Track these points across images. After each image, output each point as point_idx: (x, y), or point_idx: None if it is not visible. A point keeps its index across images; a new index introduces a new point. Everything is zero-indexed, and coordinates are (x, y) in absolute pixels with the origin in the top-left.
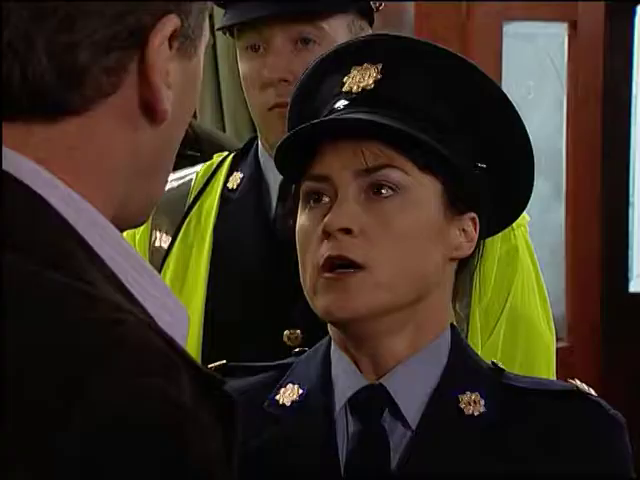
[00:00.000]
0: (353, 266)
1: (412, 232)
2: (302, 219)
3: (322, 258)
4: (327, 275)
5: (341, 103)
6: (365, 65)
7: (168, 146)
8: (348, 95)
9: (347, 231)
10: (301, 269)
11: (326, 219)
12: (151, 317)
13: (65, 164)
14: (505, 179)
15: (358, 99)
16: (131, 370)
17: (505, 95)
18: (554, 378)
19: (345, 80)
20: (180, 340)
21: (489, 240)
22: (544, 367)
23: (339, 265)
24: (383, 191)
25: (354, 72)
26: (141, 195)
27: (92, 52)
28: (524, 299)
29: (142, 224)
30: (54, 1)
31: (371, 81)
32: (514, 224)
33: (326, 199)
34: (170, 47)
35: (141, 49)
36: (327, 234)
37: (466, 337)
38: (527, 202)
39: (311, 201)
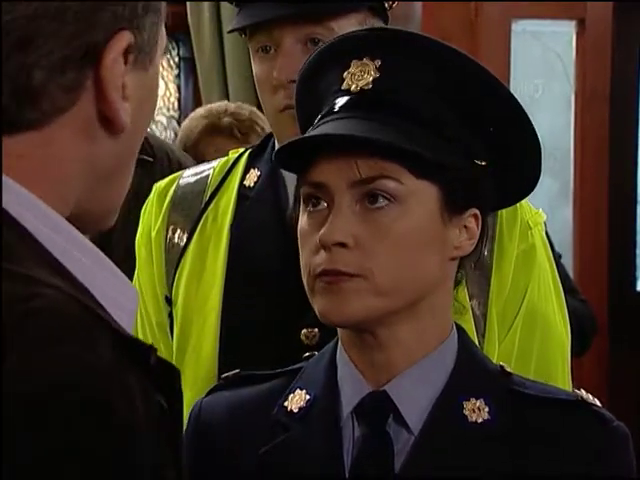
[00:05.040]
0: (348, 276)
1: (407, 241)
2: (302, 222)
3: (318, 268)
4: (324, 279)
5: (339, 102)
6: (364, 60)
7: (128, 153)
8: (346, 94)
9: (342, 244)
10: (302, 267)
11: (322, 232)
12: (88, 292)
13: (15, 171)
14: (510, 171)
15: (356, 99)
16: (43, 340)
17: (507, 90)
18: (568, 375)
19: (345, 76)
20: (128, 316)
21: (507, 240)
22: (559, 364)
23: (334, 274)
24: (378, 201)
25: (353, 68)
26: (102, 200)
27: (48, 72)
28: (541, 297)
29: (106, 228)
30: (10, 22)
31: (370, 79)
32: (531, 223)
33: (324, 204)
34: (125, 62)
35: (96, 66)
36: (324, 247)
37: (483, 334)
38: (533, 187)
39: (310, 205)
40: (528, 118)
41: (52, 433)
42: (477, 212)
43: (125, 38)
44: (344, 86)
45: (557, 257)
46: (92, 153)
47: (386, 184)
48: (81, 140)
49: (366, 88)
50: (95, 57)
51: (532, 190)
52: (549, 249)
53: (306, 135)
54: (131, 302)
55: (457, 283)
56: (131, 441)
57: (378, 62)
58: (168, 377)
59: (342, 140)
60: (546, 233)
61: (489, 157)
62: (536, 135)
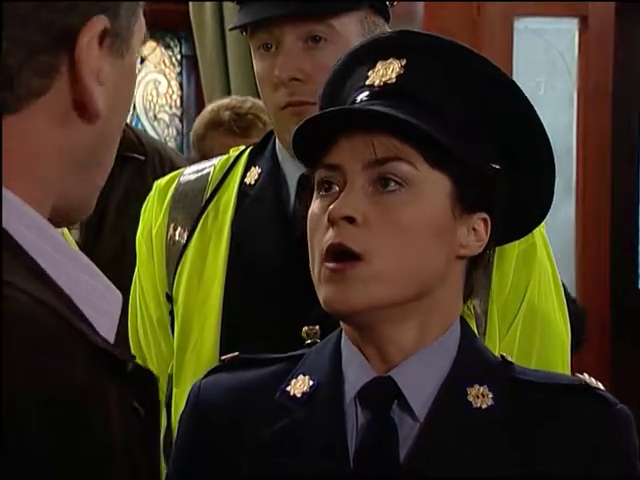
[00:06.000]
0: (353, 256)
1: (415, 227)
2: (313, 206)
3: (325, 245)
4: (329, 265)
5: (362, 96)
6: (390, 60)
7: (105, 142)
8: (370, 88)
9: (351, 220)
10: (310, 256)
11: (331, 207)
12: (67, 297)
13: None
14: (524, 182)
15: (378, 92)
16: (18, 350)
17: (527, 98)
18: (569, 372)
19: (369, 74)
20: (111, 321)
21: None
22: (560, 362)
23: (341, 254)
24: (390, 184)
25: (379, 66)
26: (79, 191)
27: (21, 55)
28: (541, 295)
29: (84, 217)
30: None
31: (393, 75)
32: None
33: (336, 188)
34: (101, 46)
35: (70, 50)
36: (332, 222)
37: (484, 333)
38: (549, 207)
39: (322, 190)
40: (544, 129)
41: (26, 443)
42: (487, 217)
43: (100, 22)
44: (368, 82)
45: None
46: (68, 140)
47: (400, 167)
48: (56, 126)
49: (389, 82)
50: (69, 41)
51: (544, 216)
52: (550, 248)
53: (326, 110)
54: (114, 307)
55: (469, 293)
56: (105, 453)
57: (403, 61)
58: (146, 385)
59: (360, 116)
60: None
61: (504, 162)
62: (550, 149)
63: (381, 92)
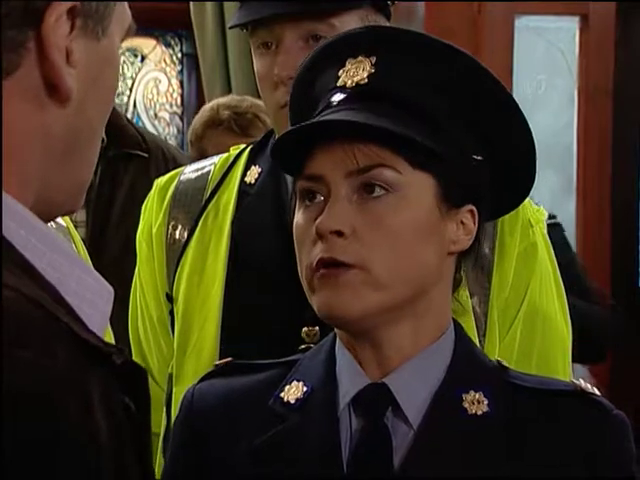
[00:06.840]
0: (345, 266)
1: (404, 231)
2: (298, 217)
3: (315, 259)
4: (320, 272)
5: (336, 98)
6: (359, 58)
7: (85, 127)
8: (343, 90)
9: (339, 233)
10: (299, 267)
11: (318, 221)
12: (55, 291)
13: None
14: (505, 169)
15: (352, 94)
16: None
17: (503, 86)
18: (569, 372)
19: (340, 74)
20: (101, 315)
21: (508, 237)
22: (560, 364)
23: (331, 265)
24: (375, 191)
25: (349, 65)
26: (62, 180)
27: None
28: (542, 295)
29: (72, 212)
30: None
31: (365, 75)
32: (532, 221)
33: (320, 198)
34: (72, 27)
35: (37, 28)
36: (321, 236)
37: (484, 333)
38: (529, 191)
39: (306, 200)
40: (523, 116)
41: (4, 436)
42: (473, 209)
43: (67, 1)
44: (339, 83)
45: (574, 256)
46: (43, 123)
47: (383, 173)
48: (30, 108)
49: (362, 83)
50: (36, 18)
51: (528, 194)
52: (550, 247)
53: (304, 123)
54: (105, 301)
55: (457, 284)
56: (85, 446)
57: (373, 59)
58: (135, 377)
59: (340, 127)
60: (563, 234)
61: (485, 153)
62: (530, 136)
63: (355, 94)
